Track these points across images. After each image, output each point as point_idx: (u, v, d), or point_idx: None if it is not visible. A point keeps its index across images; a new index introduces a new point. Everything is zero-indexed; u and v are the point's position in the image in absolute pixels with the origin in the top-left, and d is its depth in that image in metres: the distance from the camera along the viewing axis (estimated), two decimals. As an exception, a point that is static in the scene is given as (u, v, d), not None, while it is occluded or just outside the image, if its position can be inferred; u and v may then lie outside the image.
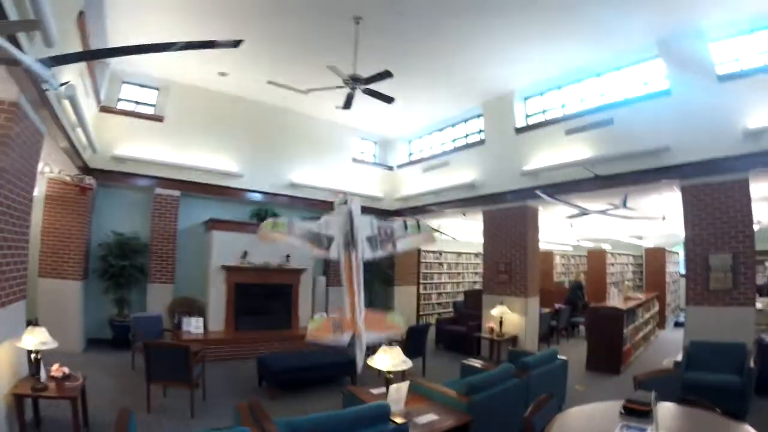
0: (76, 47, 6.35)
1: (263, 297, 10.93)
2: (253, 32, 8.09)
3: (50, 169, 8.30)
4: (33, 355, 4.83)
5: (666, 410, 3.85)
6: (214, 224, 10.43)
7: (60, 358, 5.35)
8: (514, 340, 10.07)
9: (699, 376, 6.37)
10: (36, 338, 4.80)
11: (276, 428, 3.48)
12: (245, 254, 10.52)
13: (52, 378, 4.98)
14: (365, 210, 12.28)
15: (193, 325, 9.50)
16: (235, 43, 3.89)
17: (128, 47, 3.87)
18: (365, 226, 5.42)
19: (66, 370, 5.11)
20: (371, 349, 5.10)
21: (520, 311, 10.25)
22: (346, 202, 5.37)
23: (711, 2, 7.03)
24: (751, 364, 6.34)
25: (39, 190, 6.43)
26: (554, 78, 10.00)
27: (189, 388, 6.16)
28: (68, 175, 8.67)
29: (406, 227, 5.78)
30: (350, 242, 5.18)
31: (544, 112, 10.53)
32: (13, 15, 3.71)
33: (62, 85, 4.85)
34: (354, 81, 7.25)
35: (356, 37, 7.77)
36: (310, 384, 7.49)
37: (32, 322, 5.08)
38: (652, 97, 8.46)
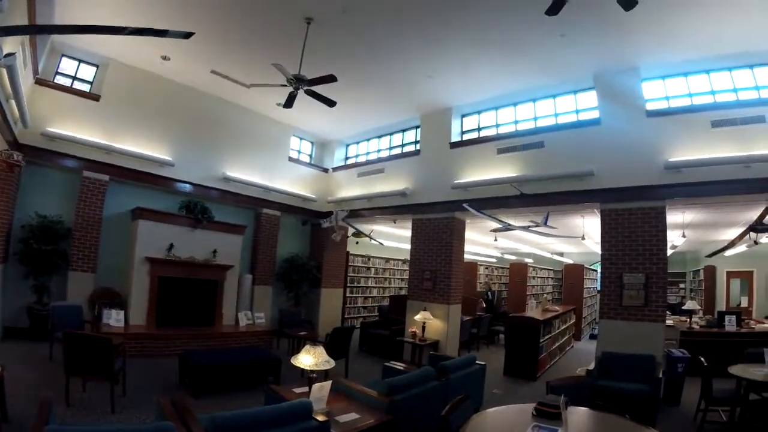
0: (22, 13, 6.08)
1: (188, 292, 10.66)
2: (201, 19, 8.02)
3: (-21, 141, 7.87)
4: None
5: (578, 414, 4.14)
6: (141, 213, 10.10)
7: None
8: (435, 345, 10.37)
9: (609, 384, 6.86)
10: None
11: (199, 424, 3.50)
12: (171, 247, 10.29)
13: (-32, 368, 4.73)
14: (296, 210, 12.40)
15: (114, 318, 9.11)
16: (187, 35, 3.89)
17: (78, 26, 3.82)
18: None
19: (-17, 359, 4.87)
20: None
21: (442, 317, 10.57)
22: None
23: (649, 46, 7.74)
24: (660, 375, 6.90)
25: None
26: (492, 99, 10.52)
27: (109, 382, 5.99)
28: (-3, 149, 8.21)
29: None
30: None
31: (479, 129, 11.00)
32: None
33: (7, 55, 4.66)
34: (298, 81, 7.27)
35: (305, 37, 7.86)
36: (233, 382, 7.43)
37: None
38: (583, 125, 9.13)
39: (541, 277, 20.66)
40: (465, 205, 9.66)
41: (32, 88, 8.94)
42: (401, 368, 7.01)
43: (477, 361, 6.95)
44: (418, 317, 10.33)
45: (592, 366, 7.68)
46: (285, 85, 7.42)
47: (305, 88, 7.42)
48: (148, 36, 3.99)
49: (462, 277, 11.54)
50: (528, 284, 18.37)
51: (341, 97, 8.46)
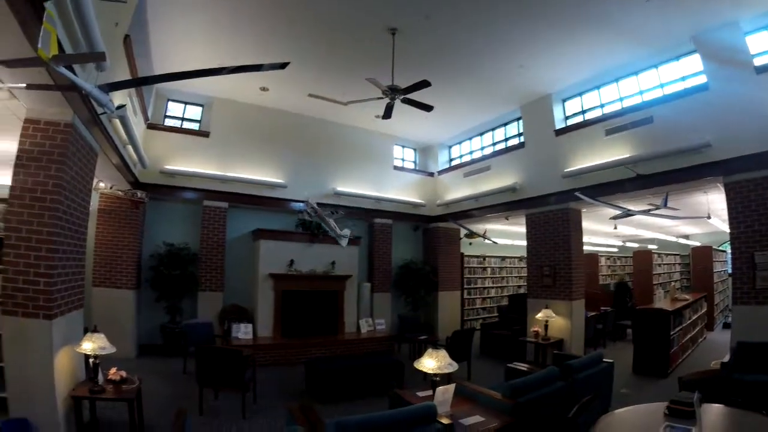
0: (124, 68, 6.78)
1: (310, 303, 11.17)
2: (292, 48, 8.43)
3: (104, 184, 8.76)
4: (91, 360, 5.10)
5: (712, 412, 3.85)
6: (260, 234, 10.78)
7: (115, 364, 5.62)
8: (559, 343, 9.98)
9: (746, 377, 6.20)
10: (95, 343, 5.08)
11: (326, 428, 3.61)
12: (292, 262, 10.85)
13: (110, 381, 5.25)
14: (406, 216, 12.42)
15: (242, 331, 9.79)
16: (282, 66, 4.02)
17: (179, 73, 4.02)
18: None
19: (123, 373, 5.36)
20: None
21: (565, 315, 10.17)
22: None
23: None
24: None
25: (92, 204, 6.80)
26: (592, 79, 9.95)
27: (240, 392, 6.41)
28: (120, 189, 9.10)
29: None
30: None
31: (583, 112, 10.47)
32: (65, 43, 3.93)
33: (119, 107, 5.12)
34: (393, 91, 7.36)
35: (393, 48, 7.97)
36: (357, 387, 7.62)
37: (89, 329, 5.36)
38: (691, 92, 8.32)
39: (668, 264, 19.25)
40: (578, 193, 9.23)
41: (145, 132, 9.94)
42: (524, 369, 6.83)
43: (604, 359, 6.59)
44: (539, 316, 10.03)
45: (726, 358, 7.00)
46: (381, 98, 7.53)
47: (401, 97, 7.48)
48: (246, 72, 4.19)
49: (583, 270, 11.05)
50: (654, 272, 17.20)
51: (437, 100, 8.43)
